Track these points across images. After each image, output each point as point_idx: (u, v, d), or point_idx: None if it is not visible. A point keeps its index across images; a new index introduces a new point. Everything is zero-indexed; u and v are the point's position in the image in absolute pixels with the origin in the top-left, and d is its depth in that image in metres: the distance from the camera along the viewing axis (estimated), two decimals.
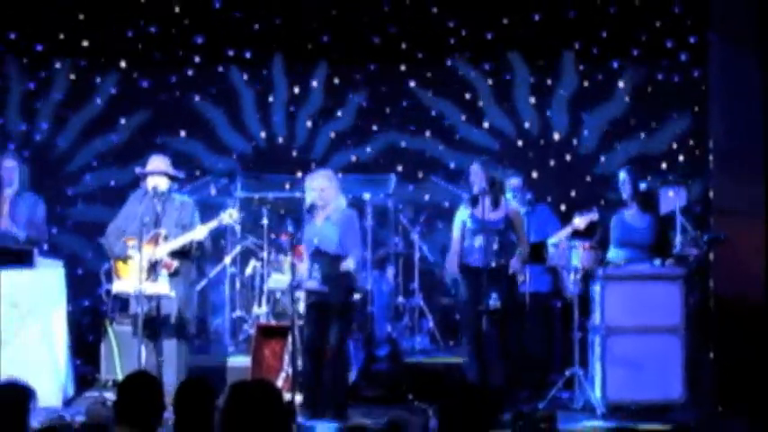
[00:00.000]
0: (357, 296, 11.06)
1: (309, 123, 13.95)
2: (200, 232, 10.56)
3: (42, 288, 11.30)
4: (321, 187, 10.67)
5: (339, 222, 10.65)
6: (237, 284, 12.73)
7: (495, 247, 10.84)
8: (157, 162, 10.82)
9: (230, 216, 10.70)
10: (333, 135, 13.91)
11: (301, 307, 10.59)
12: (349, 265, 10.62)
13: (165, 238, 10.51)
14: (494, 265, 10.83)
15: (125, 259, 10.60)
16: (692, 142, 13.29)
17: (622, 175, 11.42)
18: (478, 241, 10.87)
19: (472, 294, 10.91)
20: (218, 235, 12.00)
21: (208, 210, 11.08)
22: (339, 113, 13.92)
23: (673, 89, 13.46)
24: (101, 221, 11.43)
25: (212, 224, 10.55)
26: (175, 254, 10.56)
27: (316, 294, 10.55)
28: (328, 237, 10.58)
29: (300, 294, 10.60)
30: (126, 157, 13.52)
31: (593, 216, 11.30)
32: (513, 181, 11.93)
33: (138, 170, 10.96)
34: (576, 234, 11.37)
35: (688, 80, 13.33)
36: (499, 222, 10.89)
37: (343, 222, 10.67)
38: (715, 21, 11.96)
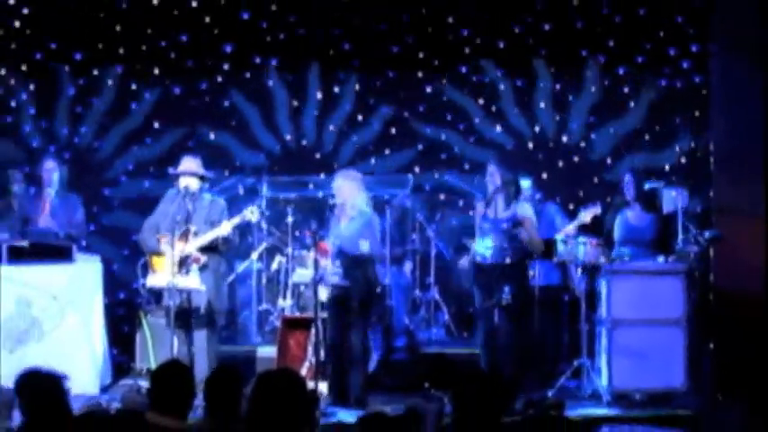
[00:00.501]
0: (376, 290, 11.07)
1: (332, 127, 13.95)
2: (225, 228, 10.58)
3: (81, 282, 11.34)
4: (342, 187, 10.70)
5: (360, 222, 10.68)
6: (264, 279, 12.75)
7: (506, 244, 10.85)
8: (189, 163, 10.84)
9: (252, 213, 10.71)
10: (354, 138, 13.91)
11: (323, 297, 10.60)
12: (375, 259, 10.66)
13: (195, 234, 10.53)
14: (507, 261, 10.85)
15: (159, 254, 10.64)
16: (693, 145, 13.25)
17: (627, 176, 11.44)
18: (490, 239, 10.88)
19: (485, 289, 10.94)
20: (245, 232, 12.00)
21: (236, 208, 11.09)
22: (360, 117, 13.93)
23: (675, 95, 13.42)
24: (136, 220, 11.46)
25: (235, 220, 10.55)
26: (204, 249, 10.58)
27: (338, 288, 10.57)
28: (350, 238, 10.60)
29: (322, 288, 10.60)
30: (160, 159, 13.58)
31: (597, 210, 11.29)
32: (524, 183, 11.93)
33: (171, 170, 10.98)
34: (583, 229, 11.35)
35: (690, 86, 13.29)
36: (510, 221, 10.90)
37: (364, 222, 10.70)
38: (715, 30, 12.00)
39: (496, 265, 10.86)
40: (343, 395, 10.59)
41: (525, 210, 11.07)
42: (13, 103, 13.93)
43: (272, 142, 13.97)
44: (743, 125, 11.55)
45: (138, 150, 13.94)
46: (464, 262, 11.12)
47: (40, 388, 6.35)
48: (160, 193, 11.27)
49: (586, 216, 11.29)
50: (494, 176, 11.00)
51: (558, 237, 11.38)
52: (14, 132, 13.93)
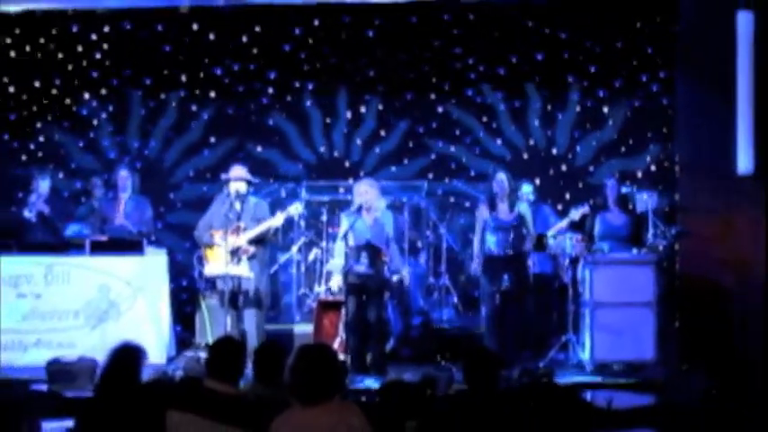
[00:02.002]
0: (395, 278, 11.08)
1: (359, 140, 13.94)
2: (278, 220, 10.65)
3: (150, 270, 11.40)
4: (366, 191, 10.72)
5: (383, 220, 10.72)
6: (302, 268, 12.74)
7: (510, 240, 10.89)
8: (238, 170, 10.89)
9: (296, 209, 10.82)
10: (377, 150, 13.90)
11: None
12: (393, 251, 10.70)
13: (244, 229, 10.58)
14: (510, 253, 10.89)
15: (212, 247, 10.69)
16: (661, 156, 13.22)
17: (611, 181, 11.42)
18: (496, 236, 10.93)
19: (490, 277, 10.97)
20: (287, 229, 12.02)
21: (279, 208, 11.12)
22: (382, 133, 13.90)
23: (647, 113, 13.38)
24: (195, 219, 11.48)
25: (285, 214, 10.65)
26: (253, 241, 10.63)
27: (363, 276, 10.58)
28: (377, 233, 10.63)
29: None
30: (214, 167, 13.57)
31: (586, 210, 11.27)
32: (527, 188, 11.97)
33: (223, 176, 11.03)
34: (572, 225, 11.35)
35: (658, 106, 13.25)
36: (513, 221, 10.95)
37: (384, 221, 10.74)
38: (680, 59, 11.99)
39: (500, 256, 10.91)
40: (367, 366, 10.62)
41: (525, 210, 11.11)
42: (94, 122, 13.98)
43: (308, 154, 13.97)
44: (703, 138, 11.54)
45: (197, 160, 13.96)
46: (476, 267, 11.17)
47: (128, 356, 6.42)
48: (215, 195, 11.32)
49: (576, 214, 11.28)
50: (503, 183, 11.04)
51: (550, 233, 11.42)
52: (95, 146, 13.99)
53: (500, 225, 10.96)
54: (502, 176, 11.13)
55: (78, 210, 13.14)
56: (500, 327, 10.96)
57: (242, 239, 10.57)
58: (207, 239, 10.79)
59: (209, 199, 11.82)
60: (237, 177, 10.80)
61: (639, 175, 13.25)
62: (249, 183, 10.89)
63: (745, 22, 11.16)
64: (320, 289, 11.86)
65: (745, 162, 11.19)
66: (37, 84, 13.83)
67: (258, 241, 10.70)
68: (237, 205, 10.66)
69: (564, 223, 11.42)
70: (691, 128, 11.74)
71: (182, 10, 13.18)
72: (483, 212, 11.12)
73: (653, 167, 13.30)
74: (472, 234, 11.52)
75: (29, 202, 12.00)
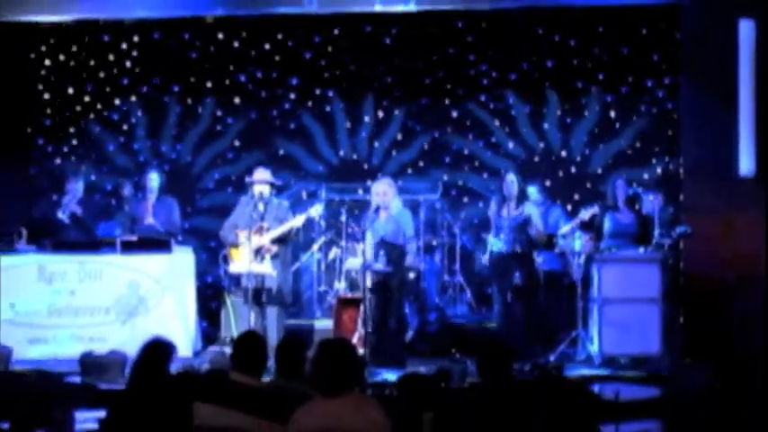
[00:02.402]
0: (412, 275, 11.08)
1: (377, 143, 13.96)
2: (299, 220, 10.68)
3: (177, 268, 11.43)
4: (383, 191, 10.73)
5: (399, 219, 10.72)
6: (323, 266, 12.76)
7: (517, 238, 10.88)
8: (262, 174, 10.92)
9: (316, 210, 10.84)
10: (395, 152, 13.91)
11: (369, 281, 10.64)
12: (411, 249, 10.70)
13: (267, 229, 10.62)
14: (518, 251, 10.89)
15: (236, 246, 10.72)
16: (667, 158, 13.19)
17: (619, 182, 11.41)
18: (505, 234, 10.92)
19: (499, 274, 10.97)
20: (308, 229, 12.04)
21: (300, 209, 11.16)
22: (399, 136, 13.91)
23: (652, 117, 13.36)
24: (220, 219, 11.51)
25: (305, 215, 10.69)
26: (275, 241, 10.66)
27: (381, 273, 10.61)
28: (391, 231, 10.64)
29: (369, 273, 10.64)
30: (239, 171, 13.63)
31: (595, 210, 11.25)
32: (531, 189, 11.97)
33: (247, 179, 11.07)
34: (582, 225, 11.34)
35: (664, 111, 13.23)
36: (520, 219, 10.93)
37: (401, 219, 10.75)
38: (684, 66, 11.99)
39: (509, 254, 10.91)
40: (386, 358, 10.63)
41: (532, 210, 11.10)
42: (125, 126, 14.04)
43: (329, 156, 13.99)
44: (706, 141, 11.56)
45: (222, 163, 13.99)
46: (485, 258, 11.17)
47: (158, 350, 6.45)
48: (239, 196, 11.35)
49: (586, 215, 11.26)
50: (512, 184, 11.03)
51: (560, 232, 11.43)
52: (125, 149, 14.05)
53: (508, 224, 10.96)
54: (512, 177, 11.12)
55: (110, 211, 13.19)
56: (511, 322, 10.96)
57: (265, 239, 10.60)
58: (232, 239, 10.83)
59: (233, 199, 11.84)
60: (261, 180, 10.83)
61: (646, 176, 13.21)
62: (272, 185, 10.93)
63: (746, 29, 11.26)
64: (340, 286, 11.88)
65: (746, 164, 11.28)
66: (70, 90, 13.91)
67: (280, 240, 10.73)
68: (261, 206, 10.69)
69: (573, 224, 11.42)
70: (694, 131, 11.76)
71: (207, 20, 13.24)
72: (493, 210, 11.14)
73: (659, 170, 13.27)
74: (485, 233, 11.50)
75: (62, 203, 12.06)
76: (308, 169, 13.88)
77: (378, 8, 12.01)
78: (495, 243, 10.95)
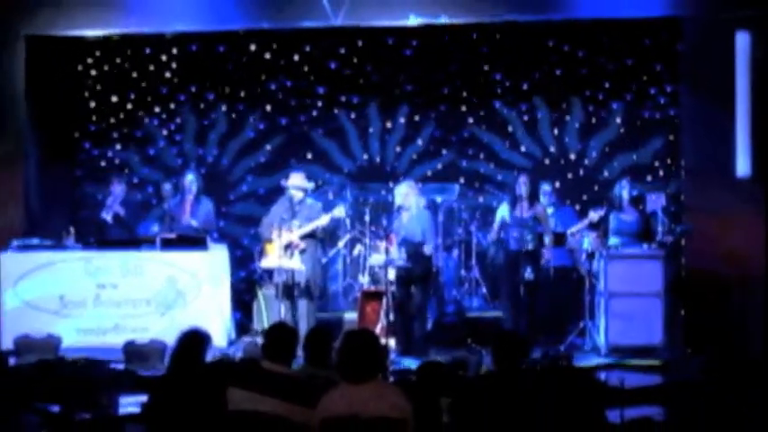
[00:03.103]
0: (431, 270, 11.08)
1: (398, 147, 13.95)
2: (324, 220, 10.73)
3: (213, 264, 11.44)
4: (405, 193, 10.77)
5: (419, 219, 10.74)
6: (348, 261, 12.79)
7: (528, 236, 10.89)
8: (296, 179, 11.00)
9: (339, 211, 10.91)
10: (414, 156, 13.90)
11: (392, 276, 10.65)
12: (428, 249, 10.71)
13: (299, 227, 10.67)
14: (529, 248, 10.88)
15: (271, 242, 10.77)
16: (668, 161, 13.15)
17: (624, 182, 11.40)
18: (516, 232, 10.92)
19: (511, 269, 10.98)
20: (335, 227, 12.06)
21: (327, 208, 11.19)
22: (419, 141, 13.90)
23: (655, 123, 13.33)
24: (253, 217, 11.52)
25: (330, 215, 10.77)
26: (304, 237, 10.71)
27: (403, 269, 10.63)
28: (412, 230, 10.67)
29: (391, 269, 10.65)
30: (270, 172, 13.71)
31: (602, 212, 11.25)
32: (545, 187, 11.98)
33: (283, 183, 11.13)
34: (590, 225, 11.35)
35: (666, 117, 13.19)
36: (531, 219, 10.94)
37: (422, 219, 10.76)
38: (684, 75, 12.03)
39: (519, 251, 10.91)
40: (408, 348, 10.65)
41: (542, 210, 11.10)
42: (164, 132, 14.10)
43: (354, 159, 13.99)
44: (706, 145, 11.57)
45: (254, 165, 14.02)
46: (492, 236, 11.17)
47: (195, 340, 6.49)
48: (270, 197, 11.39)
49: (595, 216, 11.27)
50: (524, 185, 11.04)
51: (571, 231, 11.44)
52: (165, 153, 14.10)
53: (520, 222, 10.96)
54: (523, 179, 11.14)
55: (151, 211, 13.26)
56: (522, 314, 10.95)
57: (294, 235, 10.67)
58: (267, 235, 10.91)
59: (264, 200, 11.86)
60: (295, 186, 10.91)
61: (649, 178, 13.18)
62: (305, 190, 11.01)
63: (743, 41, 11.30)
64: (363, 280, 11.90)
65: (743, 166, 11.31)
66: (114, 98, 13.96)
67: (310, 236, 10.80)
68: (295, 207, 10.80)
69: (584, 224, 11.42)
70: (695, 135, 11.78)
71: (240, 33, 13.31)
72: (504, 210, 11.14)
73: (661, 171, 13.23)
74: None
75: (106, 204, 12.14)
76: (334, 171, 13.88)
77: (410, 21, 11.97)
78: (509, 235, 10.95)
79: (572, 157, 13.63)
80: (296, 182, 10.97)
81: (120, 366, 9.97)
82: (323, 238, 11.26)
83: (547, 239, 11.02)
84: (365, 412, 5.37)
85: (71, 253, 11.38)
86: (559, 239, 11.36)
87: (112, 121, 14.02)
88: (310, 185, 11.27)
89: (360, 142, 14.00)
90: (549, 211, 11.69)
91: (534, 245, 10.93)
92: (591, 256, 11.14)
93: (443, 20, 11.88)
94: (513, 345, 6.07)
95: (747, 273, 11.18)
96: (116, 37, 13.12)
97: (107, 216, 12.08)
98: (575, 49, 13.37)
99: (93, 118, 13.98)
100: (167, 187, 12.77)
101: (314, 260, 11.01)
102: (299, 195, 10.88)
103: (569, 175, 13.53)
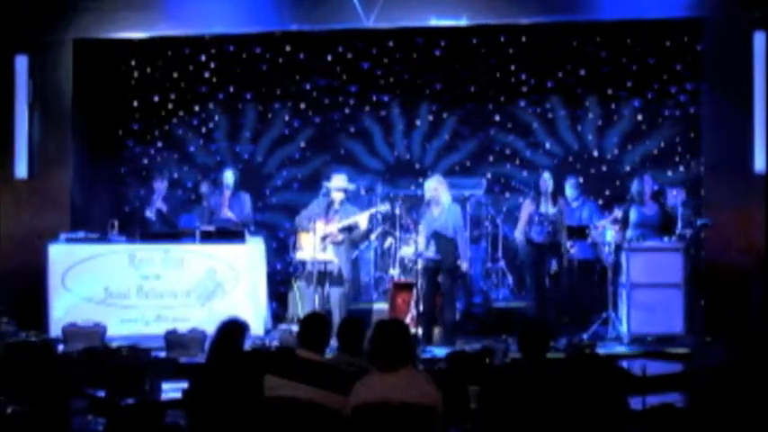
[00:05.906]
0: (460, 263, 11.01)
1: (428, 144, 13.93)
2: (363, 219, 10.91)
3: (250, 255, 11.49)
4: (434, 187, 10.75)
5: (449, 213, 10.72)
6: (379, 253, 12.79)
7: (551, 229, 10.86)
8: (338, 181, 11.06)
9: (382, 207, 11.19)
10: (443, 152, 13.88)
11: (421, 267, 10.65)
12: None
13: (338, 220, 10.71)
14: (551, 241, 10.85)
15: (307, 233, 10.81)
16: (689, 156, 13.07)
17: (646, 177, 11.35)
18: (540, 226, 10.91)
19: (536, 261, 10.96)
20: (369, 230, 12.02)
21: (358, 203, 11.21)
22: (448, 138, 13.87)
23: (676, 120, 13.24)
24: (288, 212, 11.52)
25: (369, 211, 10.96)
26: (343, 230, 10.74)
27: (432, 261, 10.61)
28: (443, 223, 10.65)
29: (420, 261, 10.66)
30: (304, 169, 13.76)
31: (626, 208, 11.21)
32: (572, 181, 11.94)
33: (325, 183, 11.17)
34: (615, 221, 11.31)
35: (686, 114, 13.10)
36: (555, 214, 10.91)
37: (451, 213, 10.74)
38: (704, 74, 11.96)
39: (543, 244, 10.89)
40: (437, 337, 10.65)
41: (563, 206, 11.08)
42: (203, 130, 14.15)
43: (385, 156, 13.99)
44: (724, 142, 11.53)
45: (290, 163, 14.04)
46: (519, 235, 11.15)
47: (233, 329, 6.50)
48: (305, 192, 11.42)
49: (618, 213, 11.22)
50: (548, 182, 11.02)
51: (596, 225, 11.39)
52: (204, 150, 14.15)
53: (543, 217, 10.94)
54: (547, 176, 11.11)
55: (190, 205, 13.30)
56: (548, 305, 10.93)
57: (333, 227, 10.71)
58: (305, 226, 10.93)
59: (299, 195, 11.85)
60: (337, 188, 10.96)
61: (670, 173, 13.10)
62: (346, 191, 11.04)
63: (760, 41, 11.30)
64: (394, 272, 11.90)
65: (760, 162, 11.33)
66: (156, 98, 14.03)
67: (345, 232, 10.82)
68: (335, 205, 10.90)
69: (608, 220, 11.37)
70: (714, 133, 11.74)
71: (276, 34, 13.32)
72: (528, 206, 11.11)
73: (681, 167, 13.15)
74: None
75: (150, 201, 12.22)
76: (367, 167, 13.88)
77: (432, 22, 12.00)
78: (533, 230, 10.92)
79: (595, 153, 13.56)
80: (338, 183, 10.99)
81: (162, 354, 10.00)
82: (356, 240, 11.27)
83: (565, 234, 10.99)
84: (396, 399, 5.38)
85: (116, 246, 11.44)
86: (582, 233, 11.30)
87: (154, 119, 14.09)
88: (352, 187, 11.32)
89: (391, 139, 13.99)
90: (575, 204, 11.65)
91: (558, 238, 10.88)
92: (615, 248, 11.09)
93: (464, 21, 11.87)
94: (538, 334, 6.05)
95: (764, 264, 11.13)
96: (157, 39, 13.15)
97: (150, 214, 12.18)
98: (598, 50, 13.30)
99: (136, 117, 14.06)
100: (206, 182, 12.79)
101: (348, 253, 11.07)
102: (339, 197, 10.92)
103: (592, 171, 13.46)
